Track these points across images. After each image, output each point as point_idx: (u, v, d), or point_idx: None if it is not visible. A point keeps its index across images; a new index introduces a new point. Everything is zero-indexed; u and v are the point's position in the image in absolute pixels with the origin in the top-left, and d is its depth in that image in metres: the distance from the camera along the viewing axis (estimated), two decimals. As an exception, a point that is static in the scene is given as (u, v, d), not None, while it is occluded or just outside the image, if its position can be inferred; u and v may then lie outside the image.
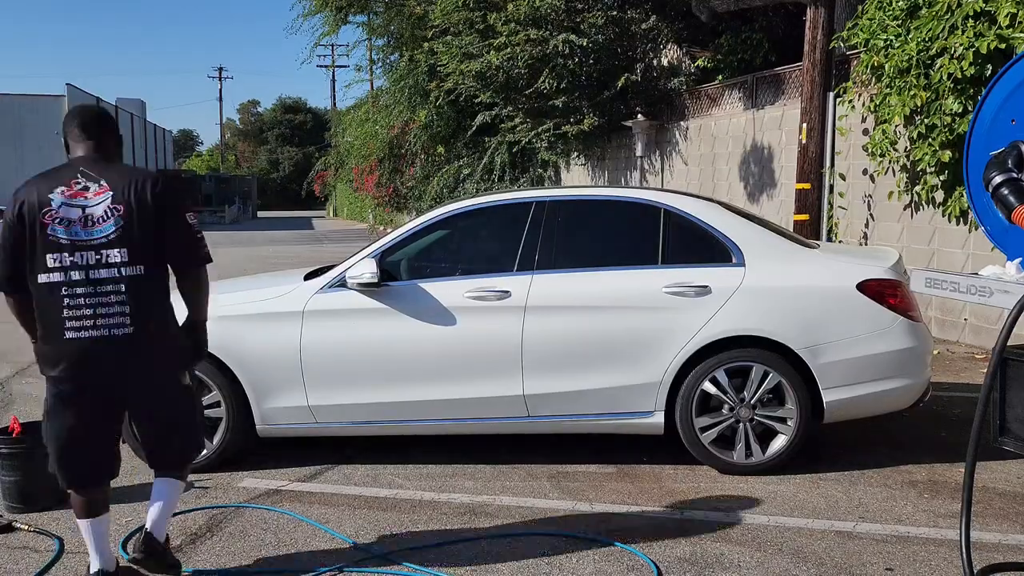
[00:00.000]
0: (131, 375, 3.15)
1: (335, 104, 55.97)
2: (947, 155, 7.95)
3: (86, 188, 3.08)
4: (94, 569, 3.25)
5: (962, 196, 7.91)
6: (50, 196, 3.05)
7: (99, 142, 3.22)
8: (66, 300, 3.04)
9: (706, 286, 4.61)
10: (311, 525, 4.02)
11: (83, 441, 3.19)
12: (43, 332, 3.12)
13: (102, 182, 3.09)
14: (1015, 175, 3.47)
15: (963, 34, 7.35)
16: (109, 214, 3.07)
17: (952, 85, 7.63)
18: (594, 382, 4.63)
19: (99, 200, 3.07)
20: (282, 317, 4.75)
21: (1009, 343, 3.03)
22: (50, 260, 3.04)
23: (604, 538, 3.81)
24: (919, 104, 7.98)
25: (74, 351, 3.06)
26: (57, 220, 3.04)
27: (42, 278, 3.05)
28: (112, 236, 3.06)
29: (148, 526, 3.34)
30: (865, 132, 9.44)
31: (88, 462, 3.23)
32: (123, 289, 3.07)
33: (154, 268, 3.16)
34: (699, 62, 13.51)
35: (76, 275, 3.04)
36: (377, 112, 23.54)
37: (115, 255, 3.07)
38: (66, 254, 3.04)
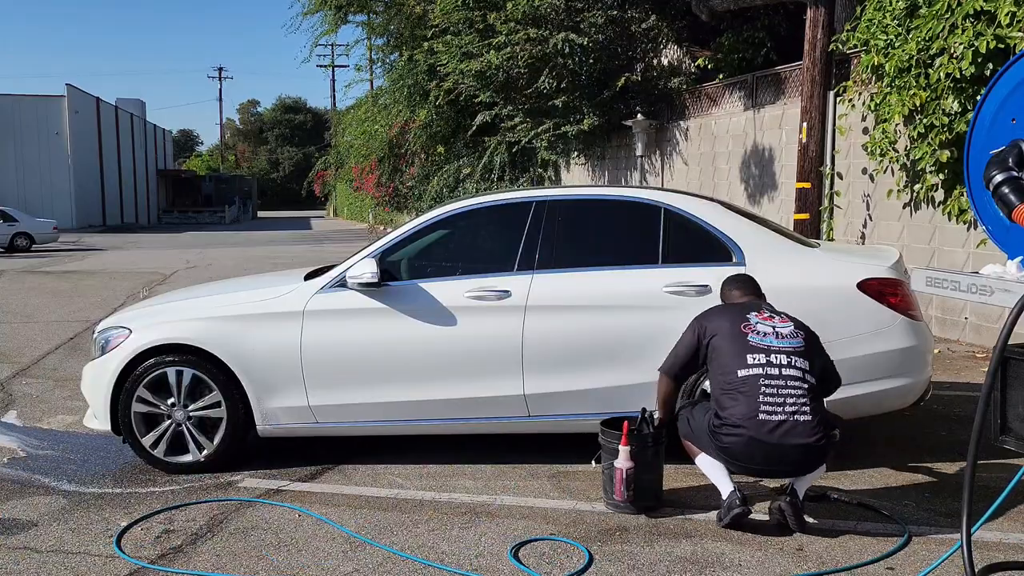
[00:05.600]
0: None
1: (335, 104, 56.03)
2: (946, 154, 7.97)
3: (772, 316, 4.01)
4: None
5: (962, 195, 7.92)
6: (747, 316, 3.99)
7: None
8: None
9: (707, 285, 4.61)
10: (311, 525, 4.02)
11: None
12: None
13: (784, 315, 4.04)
14: (1015, 173, 3.47)
15: (963, 33, 7.36)
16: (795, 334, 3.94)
17: (951, 85, 7.64)
18: (595, 382, 4.63)
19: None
20: (283, 317, 4.75)
21: (1010, 342, 3.03)
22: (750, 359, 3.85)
23: (593, 557, 3.81)
24: (919, 104, 8.00)
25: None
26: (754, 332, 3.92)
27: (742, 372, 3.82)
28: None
29: None
30: (865, 131, 9.44)
31: None
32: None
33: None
34: (699, 61, 13.50)
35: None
36: (377, 112, 23.56)
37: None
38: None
